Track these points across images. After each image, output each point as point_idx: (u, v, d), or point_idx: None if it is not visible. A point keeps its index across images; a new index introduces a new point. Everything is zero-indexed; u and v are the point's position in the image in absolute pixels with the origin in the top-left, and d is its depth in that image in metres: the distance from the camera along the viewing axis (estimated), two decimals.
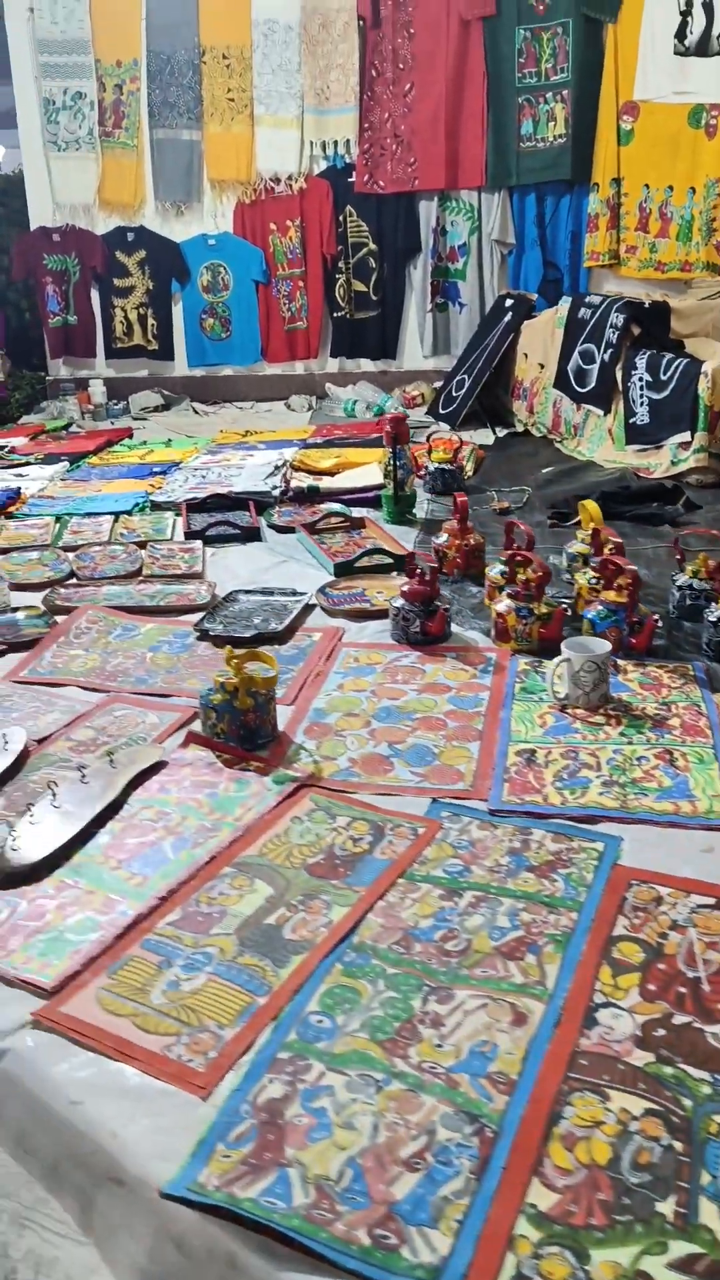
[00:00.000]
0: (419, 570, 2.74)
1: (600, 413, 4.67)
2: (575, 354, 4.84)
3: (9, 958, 1.62)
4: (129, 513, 4.01)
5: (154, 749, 2.20)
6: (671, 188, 5.29)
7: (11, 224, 6.17)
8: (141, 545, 3.59)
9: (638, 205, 5.42)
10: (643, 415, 4.40)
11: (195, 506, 3.98)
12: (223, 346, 6.15)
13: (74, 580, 3.29)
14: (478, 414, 5.30)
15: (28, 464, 4.83)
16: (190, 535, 3.67)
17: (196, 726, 2.30)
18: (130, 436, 5.43)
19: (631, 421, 4.46)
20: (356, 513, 3.81)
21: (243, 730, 2.22)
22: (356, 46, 5.44)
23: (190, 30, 5.53)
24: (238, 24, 5.50)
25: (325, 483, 4.13)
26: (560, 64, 5.32)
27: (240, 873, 1.80)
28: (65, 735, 2.30)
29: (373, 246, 5.85)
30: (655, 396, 4.33)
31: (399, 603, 2.74)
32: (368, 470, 4.27)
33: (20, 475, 4.60)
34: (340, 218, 5.81)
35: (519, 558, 2.84)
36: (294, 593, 3.07)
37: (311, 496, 4.07)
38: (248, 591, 3.10)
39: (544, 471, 4.50)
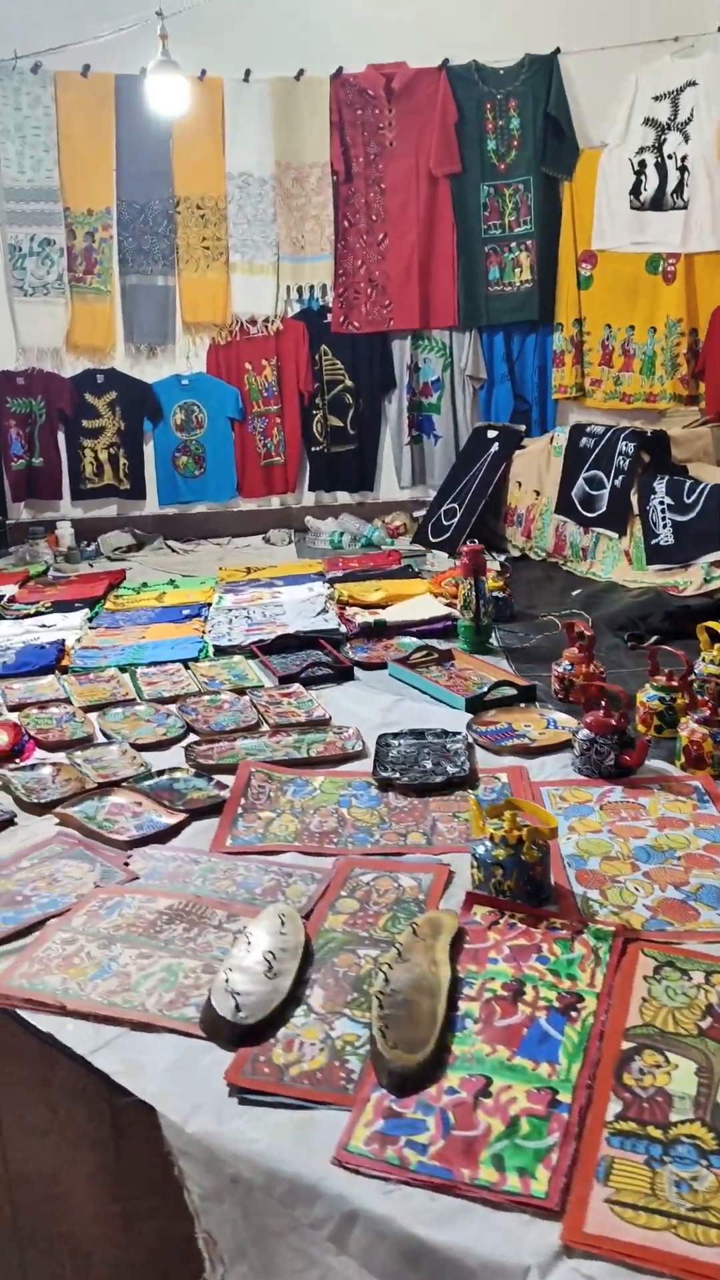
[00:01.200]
0: (605, 700, 2.72)
1: (614, 535, 4.85)
2: (580, 481, 5.03)
3: (480, 1175, 1.44)
4: (196, 659, 3.84)
5: (450, 916, 2.05)
6: (633, 327, 5.67)
7: None
8: (240, 692, 3.44)
9: (600, 343, 5.78)
10: (666, 537, 4.59)
11: (268, 648, 3.86)
12: (196, 484, 6.08)
13: (195, 735, 3.10)
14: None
15: (38, 613, 4.58)
16: (285, 679, 3.54)
17: (462, 884, 2.17)
18: (124, 578, 5.24)
19: (654, 543, 4.64)
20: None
21: (530, 885, 2.10)
22: (330, 200, 5.65)
23: (164, 182, 5.61)
24: (212, 177, 5.63)
25: (389, 616, 4.08)
26: (523, 217, 5.69)
27: (643, 1047, 1.68)
28: (329, 908, 2.13)
29: (348, 383, 5.97)
30: (680, 519, 4.53)
31: (584, 734, 2.71)
32: (423, 602, 4.26)
33: (44, 626, 4.35)
34: (316, 356, 5.93)
35: (677, 682, 2.88)
36: (444, 733, 2.98)
37: (380, 631, 4.01)
38: (395, 735, 3.00)
39: (574, 594, 4.61)
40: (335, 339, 5.89)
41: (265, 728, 3.14)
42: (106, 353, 5.86)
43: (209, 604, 4.62)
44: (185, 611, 4.51)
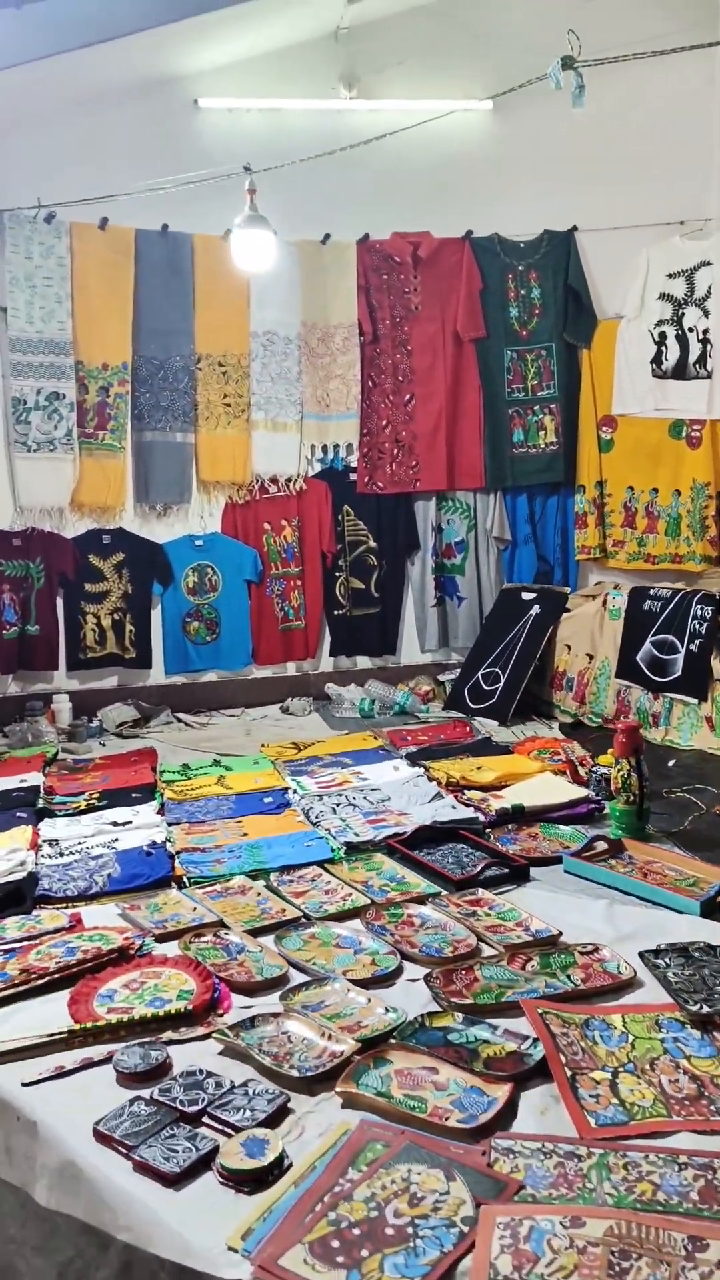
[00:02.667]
0: None
1: (692, 701, 4.67)
2: (647, 645, 4.87)
3: None
4: (332, 860, 3.34)
5: None
6: (656, 489, 5.68)
7: None
8: (420, 902, 2.97)
9: (622, 505, 5.76)
10: None
11: (409, 843, 3.40)
12: (208, 650, 5.61)
13: (411, 962, 2.61)
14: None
15: (90, 807, 3.96)
16: (463, 883, 3.08)
17: None
18: (157, 759, 4.68)
19: None
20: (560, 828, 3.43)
21: None
22: (356, 359, 5.51)
23: (185, 339, 5.34)
24: (236, 335, 5.40)
25: (521, 799, 3.70)
26: (546, 381, 5.69)
27: None
28: None
29: (372, 544, 5.71)
30: None
31: None
32: (548, 782, 3.91)
33: (118, 824, 3.74)
34: (339, 517, 5.66)
35: None
36: (710, 948, 2.60)
37: (517, 818, 3.63)
38: (655, 953, 2.59)
39: (670, 765, 4.37)
40: (358, 499, 5.66)
41: (490, 951, 2.68)
42: (115, 512, 5.41)
43: (286, 789, 4.13)
44: (268, 800, 4.00)
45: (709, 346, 5.47)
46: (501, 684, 5.29)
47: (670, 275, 5.56)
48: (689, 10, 5.31)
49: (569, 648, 5.27)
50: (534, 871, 3.23)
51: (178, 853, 3.47)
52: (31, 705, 5.26)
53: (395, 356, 5.57)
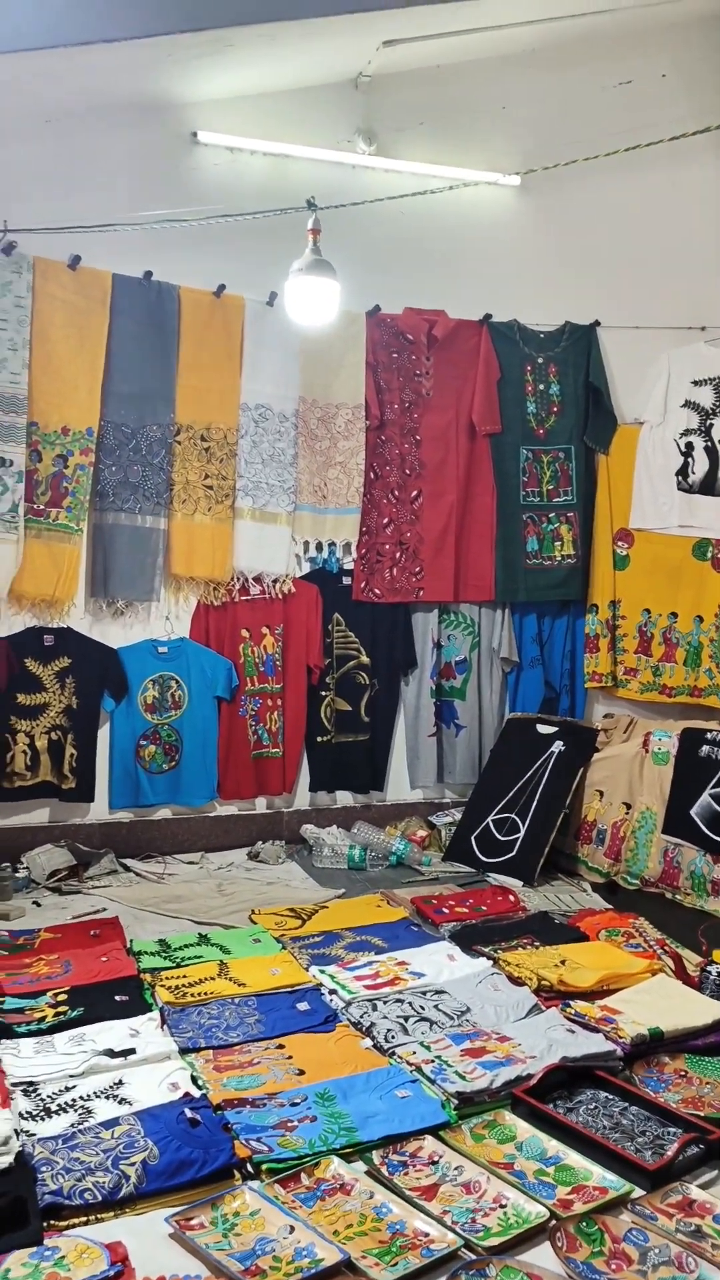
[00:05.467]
0: None
1: None
2: (706, 797, 4.20)
3: None
4: (447, 1125, 2.41)
5: None
6: (675, 614, 5.11)
7: None
8: (613, 1209, 2.08)
9: (636, 628, 5.16)
10: None
11: (537, 1092, 2.51)
12: (164, 781, 4.58)
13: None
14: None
15: (60, 1022, 2.89)
16: (660, 1175, 2.21)
17: None
18: (121, 931, 3.63)
19: None
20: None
21: None
22: (362, 446, 4.73)
23: (164, 405, 4.43)
24: (224, 406, 4.52)
25: (656, 1018, 2.87)
26: (563, 486, 5.07)
27: None
28: None
29: (364, 660, 4.86)
30: None
31: None
32: (664, 988, 3.10)
33: (121, 1054, 2.67)
34: (328, 626, 4.80)
35: None
36: None
37: (655, 1045, 2.79)
38: None
39: None
40: (351, 607, 4.81)
41: None
42: (63, 607, 4.37)
43: (318, 987, 3.17)
44: (303, 1006, 3.03)
45: None
46: (522, 835, 4.49)
47: (696, 382, 5.10)
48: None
49: (601, 794, 4.54)
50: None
51: (217, 1108, 2.46)
52: None
53: (403, 446, 4.83)
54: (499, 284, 4.99)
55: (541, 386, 5.04)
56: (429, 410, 4.86)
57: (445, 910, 3.83)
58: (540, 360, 5.03)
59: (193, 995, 3.09)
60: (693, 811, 4.23)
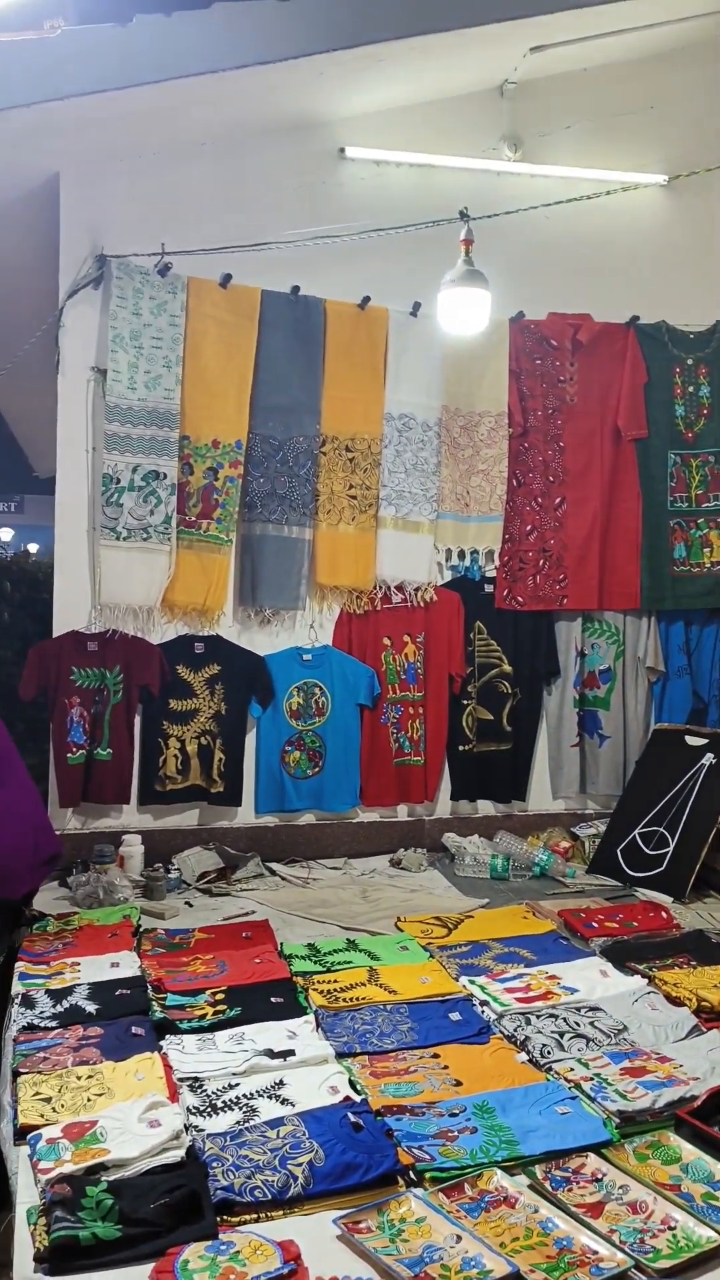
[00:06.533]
0: None
1: None
2: None
3: None
4: (609, 1144, 2.38)
5: None
6: None
7: (22, 628, 4.45)
8: None
9: None
10: None
11: (702, 1114, 2.46)
12: (309, 786, 4.66)
13: None
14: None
15: (219, 1022, 2.96)
16: None
17: None
18: (272, 934, 3.70)
19: None
20: None
21: None
22: (505, 454, 4.72)
23: (310, 417, 4.52)
24: (368, 416, 4.59)
25: None
26: (712, 491, 4.94)
27: None
28: None
29: (506, 668, 4.84)
30: None
31: None
32: None
33: (280, 1055, 2.73)
34: (469, 635, 4.80)
35: None
36: None
37: None
38: None
39: None
40: (493, 615, 4.80)
41: None
42: (214, 616, 4.50)
43: (469, 998, 3.17)
44: (455, 1016, 3.03)
45: None
46: (671, 849, 4.39)
47: None
48: None
49: None
50: None
51: (378, 1113, 2.49)
52: (100, 850, 4.25)
53: (546, 453, 4.79)
54: (646, 286, 4.91)
55: (691, 389, 4.93)
56: (573, 416, 4.81)
57: (594, 924, 3.77)
58: (690, 362, 4.92)
59: (345, 1000, 3.13)
60: None
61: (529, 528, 4.80)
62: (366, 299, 4.57)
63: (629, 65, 4.79)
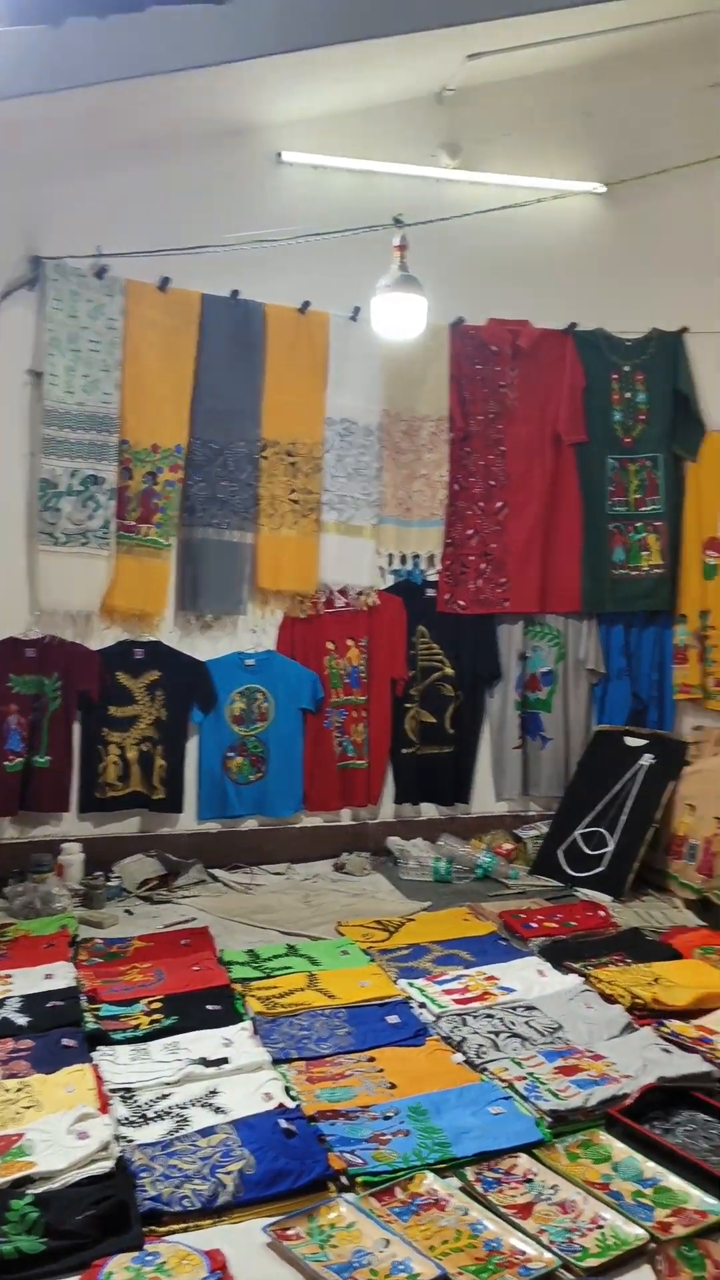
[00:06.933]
0: None
1: None
2: None
3: None
4: (541, 1143, 2.39)
5: None
6: None
7: None
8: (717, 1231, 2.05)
9: None
10: None
11: (634, 1112, 2.48)
12: (252, 792, 4.64)
13: None
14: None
15: (156, 1029, 2.94)
16: None
17: None
18: (210, 940, 3.68)
19: None
20: None
21: None
22: (446, 458, 4.74)
23: (250, 422, 4.50)
24: (309, 421, 4.58)
25: None
26: (650, 495, 5.00)
27: None
28: None
29: (448, 671, 4.86)
30: None
31: None
32: None
33: (215, 1063, 2.71)
34: (412, 639, 4.81)
35: None
36: None
37: None
38: None
39: None
40: (436, 618, 4.82)
41: None
42: (153, 621, 4.47)
43: (406, 1000, 3.17)
44: (392, 1019, 3.04)
45: None
46: (611, 849, 4.43)
47: None
48: None
49: (692, 808, 4.45)
50: None
51: (311, 1118, 2.48)
52: (38, 860, 4.20)
53: (488, 457, 4.82)
54: (584, 293, 4.95)
55: (628, 394, 4.98)
56: (514, 421, 4.85)
57: (534, 925, 3.79)
58: (627, 368, 4.98)
59: (283, 1006, 3.12)
60: None
61: (470, 531, 4.83)
62: (307, 303, 4.57)
63: (566, 74, 4.83)
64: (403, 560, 4.79)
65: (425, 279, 4.20)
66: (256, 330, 4.53)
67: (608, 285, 4.99)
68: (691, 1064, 2.68)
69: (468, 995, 3.18)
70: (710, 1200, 2.19)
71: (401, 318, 4.03)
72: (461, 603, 4.84)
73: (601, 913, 3.97)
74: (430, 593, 4.83)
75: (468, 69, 4.49)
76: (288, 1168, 2.24)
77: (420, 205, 4.50)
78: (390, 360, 4.65)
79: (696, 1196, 2.21)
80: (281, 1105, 2.52)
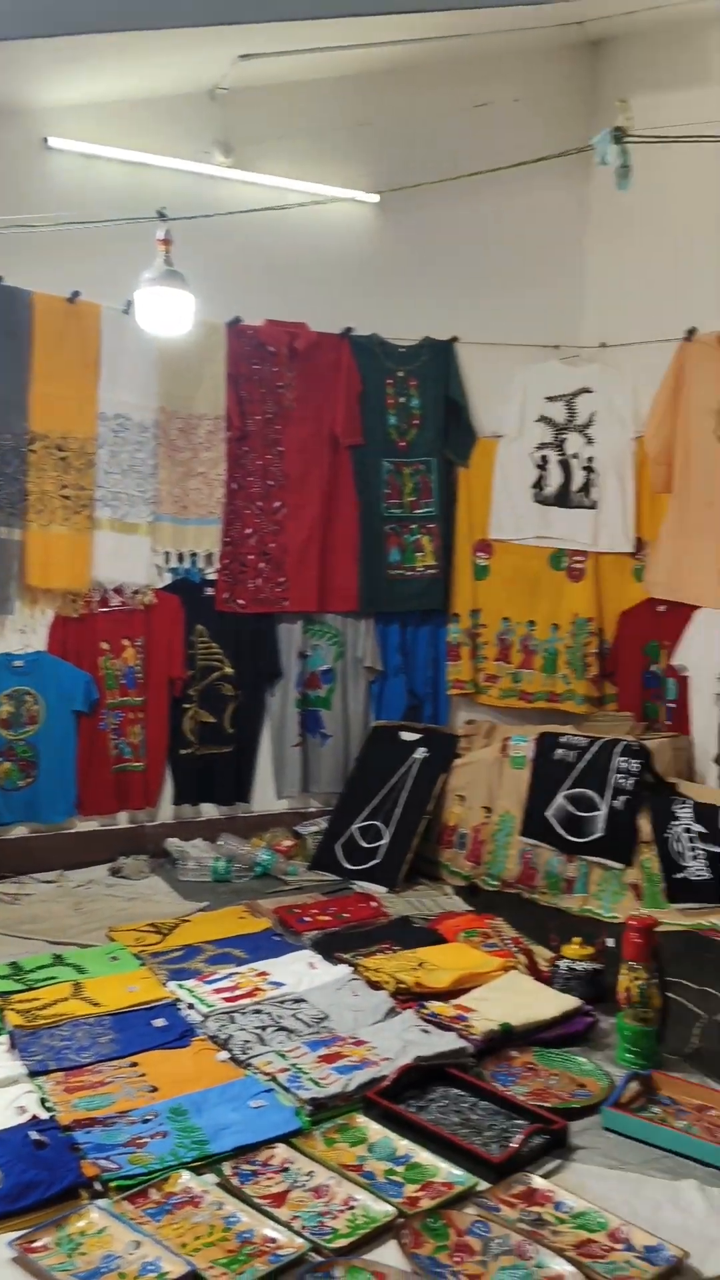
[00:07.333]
0: None
1: (617, 865, 4.15)
2: (560, 799, 4.32)
3: None
4: (300, 1132, 2.42)
5: None
6: (533, 622, 5.28)
7: None
8: (459, 1204, 2.12)
9: (496, 637, 5.29)
10: (698, 870, 3.98)
11: (392, 1093, 2.55)
12: (21, 798, 4.46)
13: None
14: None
15: None
16: (506, 1167, 2.27)
17: None
18: None
19: (680, 877, 4.00)
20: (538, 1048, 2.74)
21: None
22: (223, 456, 4.72)
23: (16, 414, 4.32)
24: (80, 415, 4.45)
25: (507, 1014, 2.94)
26: (424, 499, 5.16)
27: None
28: None
29: (227, 670, 4.84)
30: (718, 849, 3.96)
31: None
32: (515, 984, 3.18)
33: None
34: (190, 638, 4.76)
35: None
36: None
37: (506, 1041, 2.87)
38: None
39: (611, 943, 3.78)
40: (214, 618, 4.79)
41: None
42: None
43: (175, 1003, 3.14)
44: (159, 1023, 3.00)
45: (594, 476, 5.19)
46: (386, 841, 4.55)
47: (550, 398, 5.27)
48: (579, 128, 5.15)
49: (462, 799, 4.63)
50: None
51: (66, 1128, 2.41)
52: None
53: (265, 457, 4.84)
54: (360, 299, 5.05)
55: (402, 400, 5.13)
56: (291, 422, 4.89)
57: (308, 919, 3.84)
58: (401, 374, 5.12)
59: (44, 1018, 3.02)
60: (548, 813, 4.34)
61: (249, 531, 4.84)
62: (76, 293, 4.45)
63: (343, 83, 4.93)
64: (180, 559, 4.74)
65: (201, 276, 4.17)
66: (22, 318, 4.36)
67: (382, 293, 5.11)
68: (447, 1042, 2.79)
69: (237, 993, 3.19)
70: (457, 1172, 2.28)
71: (167, 313, 3.98)
72: (240, 601, 4.84)
73: (374, 904, 4.07)
74: (209, 591, 4.80)
75: (240, 69, 4.49)
76: (37, 1179, 2.17)
77: (193, 201, 4.46)
78: (166, 356, 4.60)
79: (445, 1169, 2.29)
80: (35, 1118, 2.44)
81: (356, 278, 5.05)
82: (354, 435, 4.99)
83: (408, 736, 4.87)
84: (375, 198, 5.01)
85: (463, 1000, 3.08)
